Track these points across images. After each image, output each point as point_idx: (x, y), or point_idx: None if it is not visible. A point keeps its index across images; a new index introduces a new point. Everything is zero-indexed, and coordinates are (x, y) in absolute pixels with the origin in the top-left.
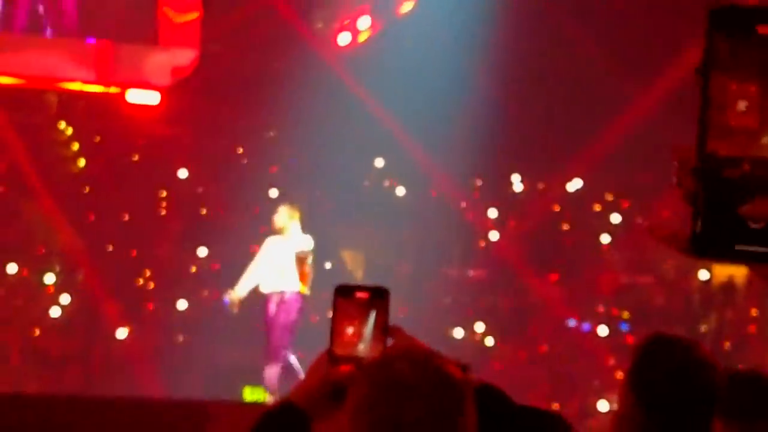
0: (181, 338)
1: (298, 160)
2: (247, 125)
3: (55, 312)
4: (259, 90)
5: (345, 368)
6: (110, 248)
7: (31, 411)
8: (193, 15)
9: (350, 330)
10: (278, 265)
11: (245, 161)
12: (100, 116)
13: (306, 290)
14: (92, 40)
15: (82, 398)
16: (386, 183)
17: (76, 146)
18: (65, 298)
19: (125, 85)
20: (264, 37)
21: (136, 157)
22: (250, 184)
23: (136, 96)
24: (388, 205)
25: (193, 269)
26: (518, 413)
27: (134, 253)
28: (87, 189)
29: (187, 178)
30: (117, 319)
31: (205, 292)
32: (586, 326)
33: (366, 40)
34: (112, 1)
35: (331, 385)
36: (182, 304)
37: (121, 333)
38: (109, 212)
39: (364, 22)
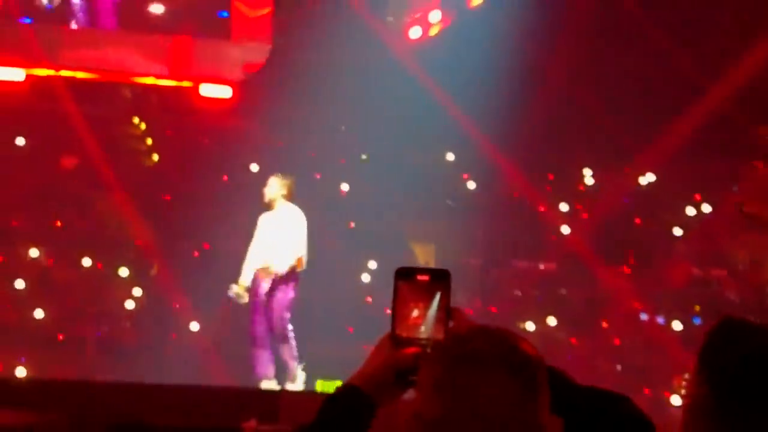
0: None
1: (368, 154)
2: (318, 119)
3: (129, 304)
4: (330, 84)
5: (410, 351)
6: (183, 241)
7: (105, 398)
8: (266, 10)
9: (412, 313)
10: (270, 241)
11: (315, 155)
12: (172, 110)
13: (302, 266)
14: (167, 35)
15: (154, 386)
16: (457, 177)
17: (149, 141)
18: (138, 291)
19: (198, 80)
20: (335, 31)
21: (207, 151)
22: (321, 178)
23: (209, 90)
24: (459, 198)
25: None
26: (586, 393)
27: (207, 246)
28: (160, 183)
29: (258, 172)
30: (189, 311)
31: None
32: (660, 319)
33: (437, 34)
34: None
35: (395, 368)
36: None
37: (194, 325)
38: (182, 205)
39: (435, 16)
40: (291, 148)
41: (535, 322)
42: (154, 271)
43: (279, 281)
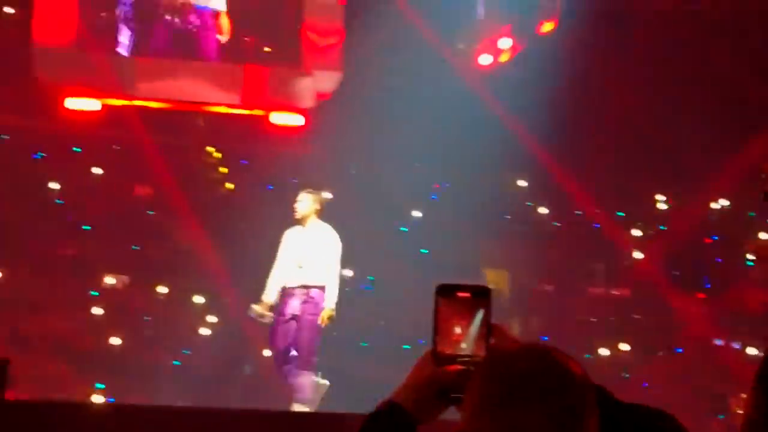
0: (328, 355)
1: (441, 180)
2: (389, 146)
3: (204, 331)
4: (401, 111)
5: (452, 368)
6: (256, 268)
7: (181, 424)
8: (336, 38)
9: (454, 330)
10: (299, 258)
11: (388, 182)
12: (245, 139)
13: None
14: (240, 65)
15: (228, 412)
16: (528, 202)
17: (224, 169)
18: (213, 318)
19: (270, 108)
20: (405, 59)
21: (280, 180)
22: (394, 205)
23: (281, 118)
24: (531, 223)
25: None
26: (631, 410)
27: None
28: (234, 210)
29: (331, 199)
30: (263, 338)
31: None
32: (735, 345)
33: (507, 60)
34: (257, 27)
35: (436, 385)
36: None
37: (267, 352)
38: (255, 234)
39: (505, 43)
40: (363, 175)
41: (609, 348)
42: (228, 299)
43: (309, 302)
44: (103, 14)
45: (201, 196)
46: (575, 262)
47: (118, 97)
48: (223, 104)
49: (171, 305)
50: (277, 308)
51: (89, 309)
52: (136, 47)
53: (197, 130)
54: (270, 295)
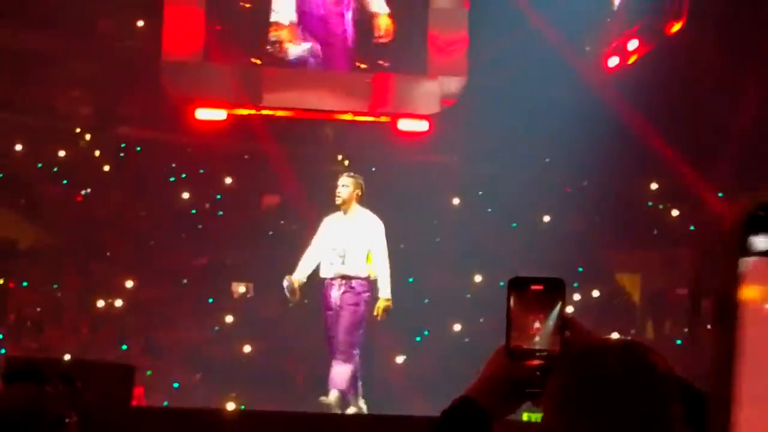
0: (454, 363)
1: (570, 185)
2: (519, 151)
3: None
4: (528, 115)
5: (527, 363)
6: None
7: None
8: (461, 44)
9: (527, 324)
10: (340, 247)
11: (517, 188)
12: (372, 146)
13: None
14: (367, 72)
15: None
16: (660, 205)
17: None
18: None
19: (396, 115)
20: (531, 62)
21: (408, 186)
22: (521, 210)
23: (407, 124)
24: (663, 226)
25: (468, 295)
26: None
27: (410, 279)
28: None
29: (459, 204)
30: (393, 344)
31: (481, 318)
32: None
33: (635, 62)
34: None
35: (511, 380)
36: (457, 328)
37: (399, 359)
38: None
39: (633, 44)
40: (489, 181)
41: None
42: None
43: (350, 292)
44: (229, 26)
45: (330, 203)
46: (709, 266)
47: (245, 107)
48: (350, 112)
49: (300, 313)
50: (324, 302)
51: (221, 317)
52: (305, 58)
53: (325, 138)
54: (301, 275)
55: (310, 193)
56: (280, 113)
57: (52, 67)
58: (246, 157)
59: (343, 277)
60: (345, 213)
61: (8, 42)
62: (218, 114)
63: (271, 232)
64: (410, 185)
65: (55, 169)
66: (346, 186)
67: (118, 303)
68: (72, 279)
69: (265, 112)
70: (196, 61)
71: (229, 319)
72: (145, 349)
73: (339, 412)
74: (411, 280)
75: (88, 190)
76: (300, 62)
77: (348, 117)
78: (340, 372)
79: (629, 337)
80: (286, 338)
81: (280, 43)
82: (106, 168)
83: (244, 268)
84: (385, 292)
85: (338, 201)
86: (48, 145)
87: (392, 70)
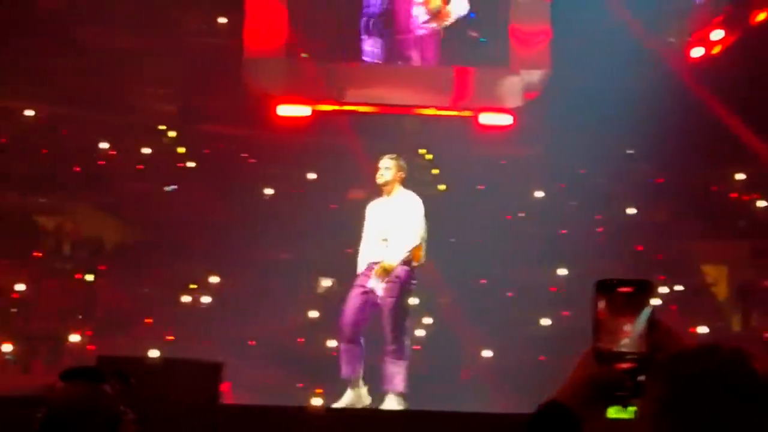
0: (540, 357)
1: (656, 177)
2: (602, 144)
3: (419, 333)
4: (611, 107)
5: (616, 366)
6: (469, 270)
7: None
8: (543, 36)
9: (616, 326)
10: (384, 231)
11: (600, 180)
12: (456, 140)
13: (420, 259)
14: (448, 67)
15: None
16: (746, 196)
17: (436, 171)
18: (428, 319)
19: (478, 109)
20: (614, 54)
21: (491, 179)
22: (605, 203)
23: (489, 118)
24: (750, 217)
25: (552, 288)
26: None
27: (494, 273)
28: (447, 212)
29: (542, 198)
30: (480, 339)
31: (565, 312)
32: None
33: (719, 52)
34: (464, 28)
35: (600, 383)
36: (543, 322)
37: (486, 353)
38: (468, 233)
39: (717, 34)
40: (574, 173)
41: None
42: (444, 299)
43: (393, 282)
44: (312, 21)
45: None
46: None
47: (327, 103)
48: (433, 106)
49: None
50: (356, 281)
51: (305, 312)
52: (383, 53)
53: (407, 133)
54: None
55: None
56: (362, 108)
57: (136, 66)
58: (328, 152)
59: (384, 262)
60: (388, 195)
61: (93, 41)
62: (302, 110)
63: (353, 226)
64: (493, 179)
65: (140, 167)
66: (388, 168)
67: (205, 299)
68: (158, 275)
69: (347, 107)
70: (279, 57)
71: (313, 314)
72: (229, 344)
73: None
74: (493, 274)
75: (173, 187)
76: (372, 56)
77: (430, 111)
78: (396, 371)
79: (717, 337)
80: (371, 333)
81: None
82: (190, 164)
83: (328, 263)
84: (392, 257)
85: (380, 181)
86: (132, 142)
87: (475, 64)
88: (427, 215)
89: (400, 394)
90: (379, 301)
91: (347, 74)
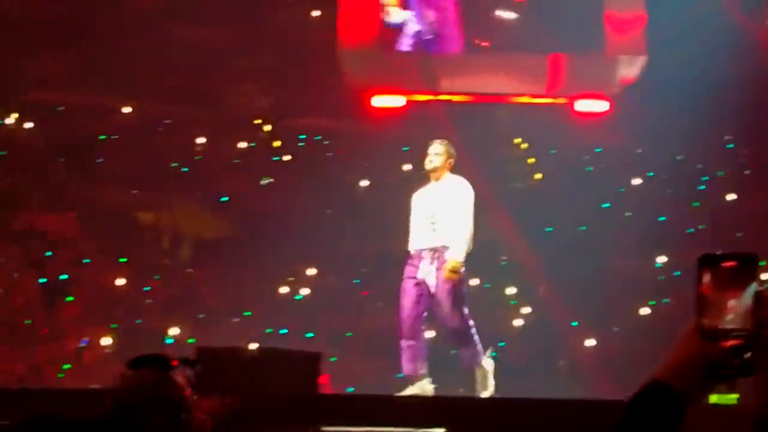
0: (641, 345)
1: (755, 164)
2: (700, 130)
3: (517, 322)
4: (709, 92)
5: (721, 343)
6: (567, 260)
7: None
8: (638, 21)
9: (721, 302)
10: (432, 217)
11: (698, 167)
12: (551, 128)
13: (470, 247)
14: (542, 54)
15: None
16: None
17: (532, 160)
18: (526, 309)
19: (574, 96)
20: (710, 37)
21: (588, 167)
22: (703, 189)
23: (585, 105)
24: None
25: (651, 276)
26: None
27: (592, 262)
28: (543, 201)
29: (639, 186)
30: (580, 328)
31: (665, 299)
32: None
33: None
34: (560, 14)
35: (705, 361)
36: (642, 311)
37: (588, 342)
38: (564, 224)
39: None
40: (671, 160)
41: None
42: (542, 290)
43: (441, 266)
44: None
45: (510, 187)
46: None
47: (422, 93)
48: (527, 94)
49: (483, 297)
50: (407, 271)
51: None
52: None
53: (502, 122)
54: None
55: (488, 177)
56: (457, 98)
57: (231, 60)
58: (422, 142)
59: (435, 249)
60: (436, 181)
61: (187, 36)
62: (396, 100)
63: None
64: (589, 167)
65: (236, 161)
66: (438, 154)
67: (303, 291)
68: (255, 268)
69: (442, 97)
70: (373, 49)
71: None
72: (329, 336)
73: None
74: (593, 262)
75: (270, 180)
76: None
77: (525, 99)
78: (469, 354)
79: None
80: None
81: (385, 6)
82: (287, 158)
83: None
84: (454, 253)
85: (429, 167)
86: (228, 137)
87: (570, 51)
88: (524, 205)
89: (482, 367)
90: (433, 290)
91: (442, 64)
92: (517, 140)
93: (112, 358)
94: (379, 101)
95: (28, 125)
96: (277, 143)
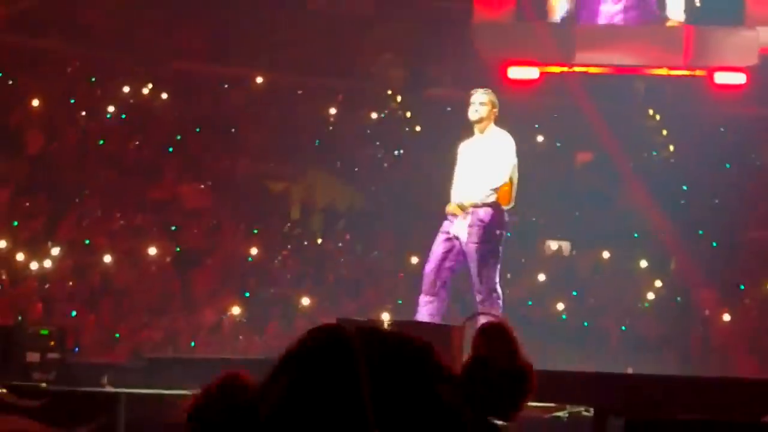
0: None
1: None
2: None
3: (649, 297)
4: None
5: None
6: (701, 232)
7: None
8: None
9: None
10: (472, 171)
11: None
12: (686, 100)
13: (510, 201)
14: (680, 25)
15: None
16: None
17: (665, 132)
18: (658, 283)
19: (712, 68)
20: None
21: (723, 140)
22: None
23: (723, 78)
24: None
25: None
26: None
27: (726, 235)
28: (676, 173)
29: None
30: (713, 303)
31: None
32: None
33: None
34: None
35: None
36: None
37: (725, 317)
38: (699, 196)
39: None
40: None
41: None
42: (674, 263)
43: (476, 227)
44: None
45: (642, 159)
46: None
47: (557, 65)
48: (665, 66)
49: (615, 270)
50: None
51: (534, 275)
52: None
53: (636, 93)
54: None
55: (623, 148)
56: (593, 70)
57: (364, 31)
58: (555, 114)
59: (473, 204)
60: (480, 133)
61: (322, 7)
62: (531, 72)
63: (581, 190)
64: (724, 138)
65: (368, 132)
66: (483, 103)
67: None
68: (387, 239)
69: (577, 69)
70: (509, 21)
71: (541, 277)
72: (460, 307)
73: None
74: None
75: (401, 151)
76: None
77: (662, 72)
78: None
79: None
80: (601, 297)
81: None
82: (418, 129)
83: (556, 226)
84: (470, 195)
85: (474, 117)
86: (360, 108)
87: (708, 22)
88: (658, 178)
89: None
90: (463, 247)
91: (577, 36)
92: (651, 111)
93: (244, 328)
94: (514, 72)
95: (164, 96)
96: (408, 114)
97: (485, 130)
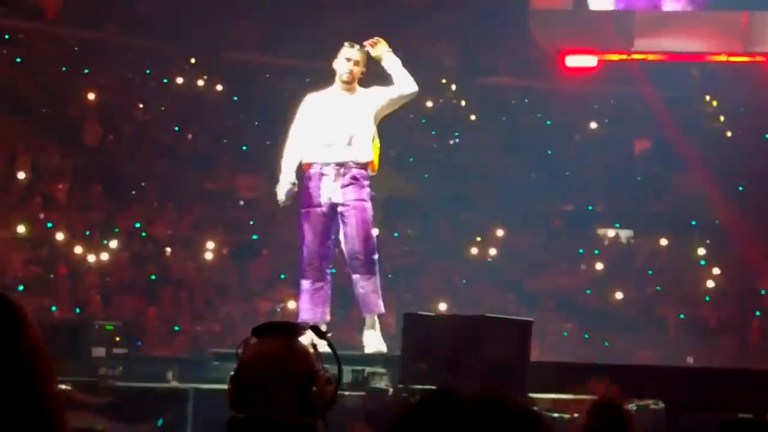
0: None
1: None
2: None
3: (709, 284)
4: None
5: None
6: (760, 219)
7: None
8: None
9: None
10: (346, 129)
11: None
12: (744, 86)
13: (375, 168)
14: (738, 12)
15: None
16: None
17: (722, 118)
18: (717, 270)
19: None
20: None
21: None
22: None
23: None
24: None
25: None
26: None
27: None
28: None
29: None
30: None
31: None
32: None
33: None
34: None
35: None
36: None
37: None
38: (756, 182)
39: None
40: None
41: None
42: (733, 251)
43: (355, 185)
44: None
45: (700, 145)
46: None
47: (616, 53)
48: (724, 53)
49: (673, 257)
50: (304, 198)
51: (592, 264)
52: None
53: (693, 80)
54: (287, 176)
55: (681, 134)
56: (652, 57)
57: (419, 19)
58: (612, 101)
59: (341, 164)
60: (350, 93)
61: None
62: (589, 60)
63: (639, 178)
64: None
65: (423, 120)
66: (357, 62)
67: (491, 251)
68: (444, 228)
69: (636, 56)
70: (567, 8)
71: (599, 266)
72: (517, 296)
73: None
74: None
75: (456, 140)
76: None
77: (721, 58)
78: (371, 291)
79: None
80: (660, 284)
81: None
82: (473, 117)
83: (613, 214)
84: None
85: (345, 78)
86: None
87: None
88: (716, 164)
89: (381, 316)
90: (345, 212)
91: (636, 23)
92: (707, 98)
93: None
94: (572, 61)
95: (218, 87)
96: (463, 102)
97: (354, 92)
